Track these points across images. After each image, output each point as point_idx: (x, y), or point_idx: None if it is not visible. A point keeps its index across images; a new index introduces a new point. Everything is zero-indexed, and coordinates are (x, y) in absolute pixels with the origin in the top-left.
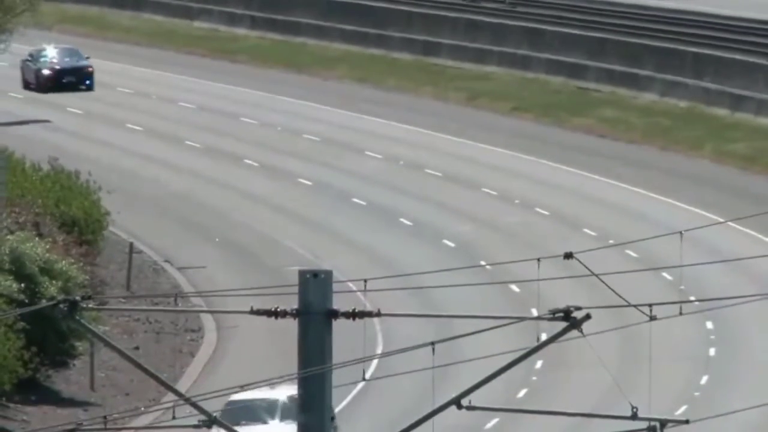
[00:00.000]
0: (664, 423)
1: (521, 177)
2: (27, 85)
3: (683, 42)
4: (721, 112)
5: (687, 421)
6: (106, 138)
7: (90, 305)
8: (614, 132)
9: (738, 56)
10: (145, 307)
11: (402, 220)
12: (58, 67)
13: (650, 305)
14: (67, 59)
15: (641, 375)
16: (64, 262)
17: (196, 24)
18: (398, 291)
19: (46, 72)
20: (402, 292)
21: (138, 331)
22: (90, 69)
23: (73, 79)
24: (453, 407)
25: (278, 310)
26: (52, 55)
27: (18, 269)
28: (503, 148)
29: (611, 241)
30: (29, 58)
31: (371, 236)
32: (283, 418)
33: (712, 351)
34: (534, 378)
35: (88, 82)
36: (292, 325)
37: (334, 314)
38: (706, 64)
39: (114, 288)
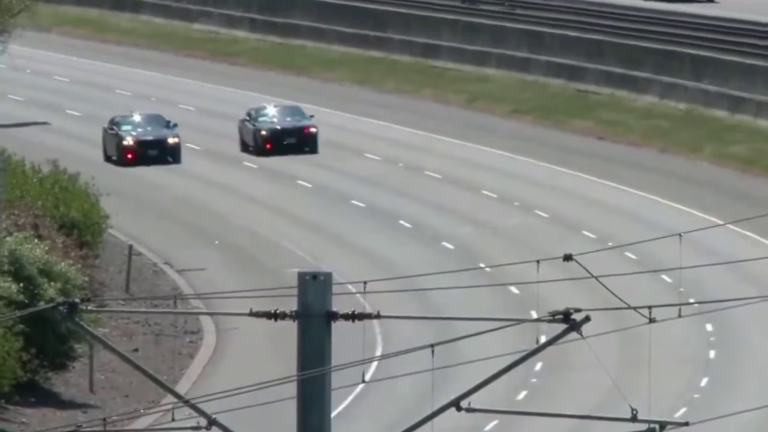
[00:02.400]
0: (663, 425)
1: (521, 179)
2: (245, 148)
3: (682, 44)
4: (721, 114)
5: (687, 423)
6: None
7: (89, 307)
8: (613, 134)
9: (737, 58)
10: (144, 310)
11: (401, 222)
12: (278, 127)
13: (650, 307)
14: (288, 118)
15: (641, 377)
16: (63, 263)
17: (196, 26)
18: (398, 293)
19: (264, 133)
20: (401, 294)
21: (137, 333)
22: (313, 130)
23: (294, 141)
24: (452, 409)
25: (277, 312)
26: (272, 113)
27: (17, 271)
28: (502, 151)
29: (611, 243)
30: (247, 118)
31: (371, 238)
32: None
33: (711, 353)
34: (534, 380)
35: (311, 144)
36: (291, 327)
37: (334, 316)
38: (705, 66)
39: (113, 290)
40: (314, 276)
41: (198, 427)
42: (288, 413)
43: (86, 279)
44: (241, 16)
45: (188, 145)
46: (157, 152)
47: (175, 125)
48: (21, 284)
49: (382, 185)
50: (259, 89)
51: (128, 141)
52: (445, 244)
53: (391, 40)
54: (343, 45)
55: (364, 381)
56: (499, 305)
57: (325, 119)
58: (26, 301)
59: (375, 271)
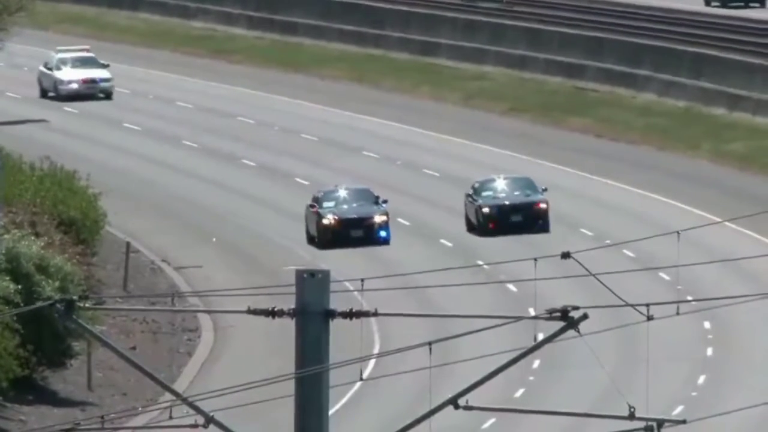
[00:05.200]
0: (661, 423)
1: None
2: (471, 227)
3: (681, 42)
4: (719, 111)
5: (684, 421)
6: (104, 138)
7: (87, 305)
8: (612, 132)
9: (736, 56)
10: (142, 307)
11: (399, 219)
12: (504, 203)
13: (647, 305)
14: (516, 192)
15: (638, 375)
16: (59, 258)
17: (193, 24)
18: (395, 291)
19: (487, 211)
20: (399, 291)
21: (135, 330)
22: (543, 206)
23: (520, 219)
24: (450, 407)
25: (275, 309)
26: (500, 187)
27: (14, 268)
28: (500, 148)
29: (608, 241)
30: (471, 192)
31: None
32: None
33: (709, 351)
34: (531, 378)
35: (541, 221)
36: (289, 325)
37: (332, 314)
38: (704, 63)
39: (111, 288)
40: (312, 274)
41: (196, 425)
42: (286, 411)
43: (82, 276)
44: (238, 13)
45: (185, 142)
46: (361, 233)
47: (385, 201)
48: (19, 283)
49: (379, 183)
50: (256, 86)
51: (328, 220)
52: (443, 241)
53: (389, 37)
54: (341, 42)
55: (361, 378)
56: (496, 303)
57: (323, 117)
58: (21, 303)
59: (373, 268)
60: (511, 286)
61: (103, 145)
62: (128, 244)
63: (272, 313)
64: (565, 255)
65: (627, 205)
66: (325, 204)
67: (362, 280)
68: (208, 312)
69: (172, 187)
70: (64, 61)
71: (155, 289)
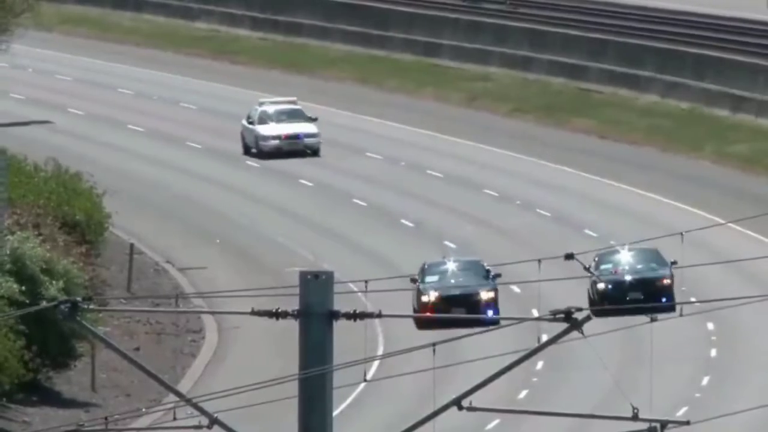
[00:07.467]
0: (665, 424)
1: (522, 178)
2: (592, 303)
3: (684, 43)
4: (722, 113)
5: (688, 422)
6: (108, 139)
7: (91, 306)
8: (615, 133)
9: (739, 57)
10: (146, 308)
11: (403, 221)
12: (624, 279)
13: (651, 306)
14: (639, 266)
15: (642, 376)
16: (64, 261)
17: (197, 25)
18: (399, 292)
19: (602, 287)
20: (403, 293)
21: (139, 332)
22: (667, 281)
23: (640, 296)
24: (454, 408)
25: (279, 311)
26: (623, 260)
27: (19, 270)
28: (504, 149)
29: (612, 242)
30: (592, 264)
31: (372, 237)
32: None
33: (713, 352)
34: (535, 379)
35: (665, 299)
36: (293, 326)
37: (335, 315)
38: (707, 65)
39: (115, 289)
40: (316, 275)
41: (200, 426)
42: (290, 412)
43: (87, 277)
44: (242, 14)
45: (189, 144)
46: (464, 310)
47: (497, 275)
48: (23, 285)
49: (383, 184)
50: (260, 88)
51: (429, 297)
52: (446, 242)
53: (394, 38)
54: (346, 43)
55: (365, 380)
56: (500, 304)
57: (326, 118)
58: (27, 301)
59: (376, 270)
60: (514, 288)
61: (107, 146)
62: (132, 246)
63: (276, 315)
64: (569, 256)
65: (630, 206)
66: (428, 278)
67: (366, 281)
68: (212, 313)
69: (176, 188)
70: (268, 115)
71: (159, 291)
